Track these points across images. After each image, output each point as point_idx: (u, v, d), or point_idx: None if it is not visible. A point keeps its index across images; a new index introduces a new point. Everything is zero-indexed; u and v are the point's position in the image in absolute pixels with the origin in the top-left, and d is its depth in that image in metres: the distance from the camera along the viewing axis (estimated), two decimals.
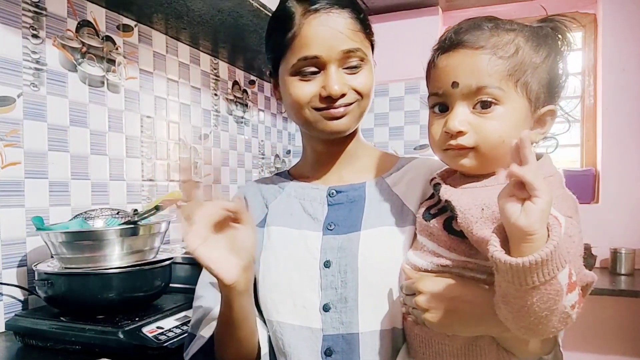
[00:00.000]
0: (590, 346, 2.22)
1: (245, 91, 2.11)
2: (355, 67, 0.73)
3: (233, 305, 0.66)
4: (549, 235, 0.47)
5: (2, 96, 1.07)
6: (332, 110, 0.72)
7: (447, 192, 0.63)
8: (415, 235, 0.71)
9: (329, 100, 0.72)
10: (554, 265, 0.46)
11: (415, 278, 0.64)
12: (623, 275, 2.04)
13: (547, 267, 0.46)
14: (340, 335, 0.71)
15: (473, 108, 0.59)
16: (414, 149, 2.39)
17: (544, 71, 0.60)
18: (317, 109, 0.73)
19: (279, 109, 2.43)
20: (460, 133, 0.59)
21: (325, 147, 0.81)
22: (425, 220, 0.66)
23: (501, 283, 0.51)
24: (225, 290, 0.65)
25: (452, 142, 0.60)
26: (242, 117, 2.10)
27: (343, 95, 0.72)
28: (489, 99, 0.58)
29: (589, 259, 2.03)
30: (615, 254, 2.08)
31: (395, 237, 0.73)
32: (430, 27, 2.38)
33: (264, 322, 0.79)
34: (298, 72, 0.73)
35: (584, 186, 2.27)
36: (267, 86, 2.30)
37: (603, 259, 2.17)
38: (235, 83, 2.04)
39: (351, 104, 0.73)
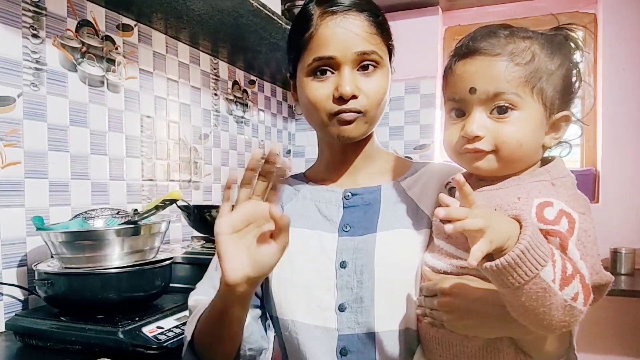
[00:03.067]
0: (590, 346, 2.22)
1: (245, 91, 2.11)
2: (369, 70, 0.73)
3: (225, 306, 0.66)
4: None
5: (2, 96, 1.07)
6: (343, 115, 0.72)
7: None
8: (430, 238, 0.72)
9: (341, 101, 0.72)
10: (529, 266, 0.48)
11: (436, 280, 0.64)
12: (623, 275, 2.04)
13: (520, 269, 0.48)
14: (355, 335, 0.72)
15: (490, 113, 0.62)
16: (414, 149, 2.39)
17: (559, 77, 0.62)
18: (332, 114, 0.73)
19: (279, 109, 2.43)
20: (477, 138, 0.62)
21: (341, 150, 0.81)
22: (442, 222, 0.67)
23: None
24: (224, 288, 0.65)
25: (469, 146, 0.63)
26: (242, 117, 2.10)
27: (355, 97, 0.72)
28: (506, 104, 0.60)
29: None
30: (615, 254, 2.08)
31: (411, 239, 0.73)
32: (430, 27, 2.38)
33: (272, 324, 0.79)
34: (313, 72, 0.74)
35: (584, 186, 2.27)
36: (267, 86, 2.30)
37: (603, 259, 2.17)
38: (235, 83, 2.04)
39: (360, 111, 0.73)
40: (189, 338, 0.74)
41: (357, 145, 0.80)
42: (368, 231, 0.75)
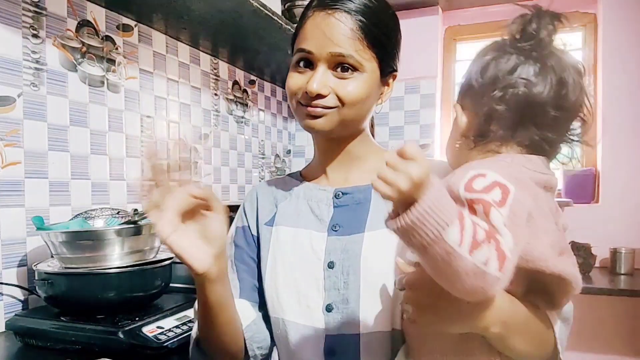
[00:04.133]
0: (590, 346, 2.22)
1: (245, 91, 2.11)
2: (347, 72, 0.73)
3: (207, 293, 0.67)
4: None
5: (2, 96, 1.07)
6: (308, 108, 0.74)
7: None
8: None
9: (308, 97, 0.73)
10: (430, 228, 0.47)
11: (406, 273, 0.63)
12: (623, 275, 2.04)
13: (422, 230, 0.48)
14: (341, 336, 0.72)
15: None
16: None
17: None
18: (300, 103, 0.75)
19: (279, 109, 2.43)
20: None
21: (325, 146, 0.82)
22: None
23: None
24: (198, 278, 0.65)
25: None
26: (242, 117, 2.10)
27: (321, 97, 0.72)
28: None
29: (588, 258, 2.03)
30: (615, 253, 2.08)
31: (398, 240, 0.73)
32: (430, 27, 2.38)
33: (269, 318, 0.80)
34: (297, 63, 0.75)
35: (584, 186, 2.27)
36: (267, 86, 2.30)
37: (603, 259, 2.17)
38: (235, 83, 2.04)
39: (330, 107, 0.73)
40: (194, 336, 0.76)
41: (341, 143, 0.81)
42: (356, 231, 0.75)
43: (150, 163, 0.63)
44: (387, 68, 0.78)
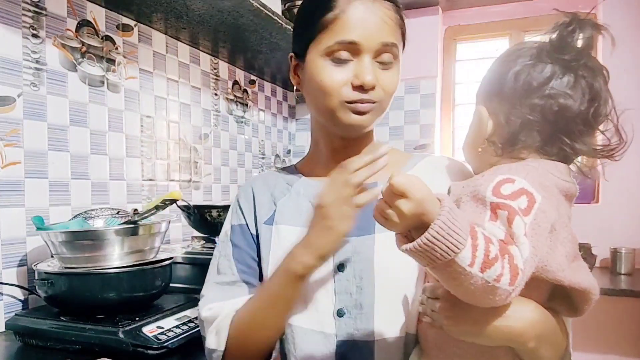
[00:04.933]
0: (590, 346, 2.22)
1: (245, 91, 2.11)
2: (387, 62, 0.71)
3: (298, 289, 0.67)
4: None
5: (2, 96, 1.07)
6: (359, 105, 0.69)
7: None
8: None
9: (360, 91, 0.69)
10: (441, 252, 0.48)
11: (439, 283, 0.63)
12: (623, 275, 2.04)
13: (432, 254, 0.48)
14: (354, 342, 0.70)
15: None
16: (414, 148, 2.39)
17: None
18: (347, 101, 0.70)
19: (279, 109, 2.43)
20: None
21: (343, 143, 0.78)
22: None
23: None
24: (316, 261, 0.65)
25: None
26: (242, 117, 2.09)
27: (373, 88, 0.69)
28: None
29: (589, 258, 2.03)
30: (615, 253, 2.08)
31: None
32: (430, 26, 2.38)
33: None
34: (331, 55, 0.69)
35: (584, 186, 2.27)
36: (267, 86, 2.30)
37: (603, 259, 2.17)
38: (236, 83, 2.04)
39: (376, 102, 0.71)
40: (221, 349, 0.72)
41: (360, 139, 0.78)
42: (365, 232, 0.72)
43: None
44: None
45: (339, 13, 0.68)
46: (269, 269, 0.76)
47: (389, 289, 0.69)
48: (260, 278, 0.79)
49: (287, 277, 0.67)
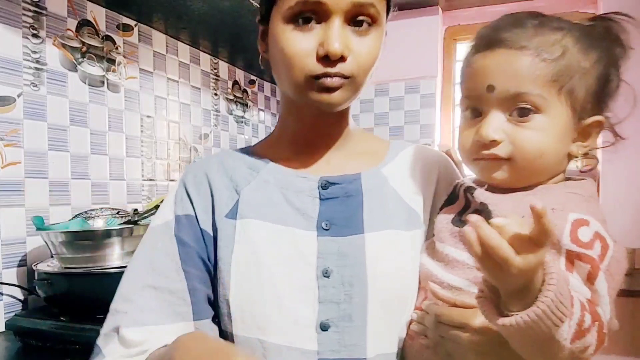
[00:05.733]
0: None
1: (245, 91, 2.11)
2: (363, 27, 0.59)
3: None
4: (540, 290, 0.41)
5: (2, 96, 1.07)
6: (326, 80, 0.58)
7: (483, 195, 0.56)
8: (431, 243, 0.62)
9: (327, 62, 0.57)
10: (543, 328, 0.40)
11: (453, 301, 0.54)
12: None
13: (533, 330, 0.41)
14: None
15: (510, 115, 0.53)
16: None
17: (593, 77, 0.54)
18: (311, 76, 0.58)
19: (279, 109, 2.43)
20: (493, 142, 0.53)
21: (315, 123, 0.67)
22: (457, 227, 0.58)
23: None
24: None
25: (485, 151, 0.54)
26: (242, 117, 2.10)
27: (343, 60, 0.57)
28: (528, 106, 0.52)
29: None
30: None
31: (402, 244, 0.62)
32: (430, 27, 2.38)
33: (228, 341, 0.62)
34: (294, 18, 0.58)
35: None
36: (267, 86, 2.30)
37: None
38: (235, 83, 2.04)
39: (348, 76, 0.58)
40: None
41: (333, 119, 0.67)
42: (354, 231, 0.61)
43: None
44: (387, 19, 0.64)
45: None
46: (231, 275, 0.61)
47: (383, 299, 0.60)
48: (213, 285, 0.64)
49: None
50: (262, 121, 2.26)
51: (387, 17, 0.64)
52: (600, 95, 0.55)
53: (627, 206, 2.19)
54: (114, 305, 0.64)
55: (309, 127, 0.67)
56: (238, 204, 0.64)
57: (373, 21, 0.59)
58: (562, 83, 0.52)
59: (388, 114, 2.43)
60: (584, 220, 0.49)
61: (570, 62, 0.52)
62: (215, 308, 0.64)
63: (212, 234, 0.64)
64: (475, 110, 0.56)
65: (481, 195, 0.57)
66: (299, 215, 0.63)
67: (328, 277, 0.60)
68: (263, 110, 2.27)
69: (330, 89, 0.58)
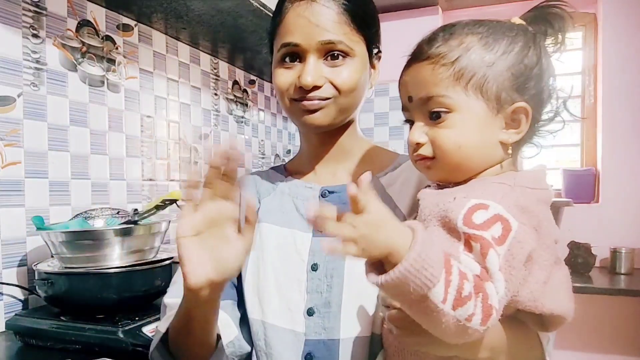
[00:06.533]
0: (590, 346, 2.22)
1: (245, 91, 2.11)
2: (338, 60, 0.70)
3: (192, 307, 0.61)
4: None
5: (2, 96, 1.07)
6: (305, 102, 0.71)
7: (422, 192, 0.63)
8: None
9: (302, 92, 0.70)
10: (413, 287, 0.44)
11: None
12: (623, 274, 2.04)
13: (403, 288, 0.45)
14: (321, 341, 0.70)
15: (430, 119, 0.59)
16: None
17: (503, 67, 0.57)
18: (294, 100, 0.72)
19: (279, 109, 2.43)
20: (419, 145, 0.60)
21: (316, 140, 0.79)
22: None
23: None
24: (187, 291, 0.59)
25: (415, 153, 0.61)
26: (242, 117, 2.10)
27: (317, 88, 0.70)
28: (441, 109, 0.58)
29: (589, 258, 2.03)
30: (615, 253, 2.08)
31: None
32: (430, 27, 2.37)
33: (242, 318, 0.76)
34: (282, 59, 0.73)
35: (584, 186, 2.27)
36: (267, 86, 2.30)
37: (603, 259, 2.17)
38: (235, 83, 2.04)
39: (327, 98, 0.71)
40: (162, 331, 0.68)
41: (332, 135, 0.78)
42: None
43: (217, 160, 0.60)
44: (373, 50, 0.76)
45: (282, 17, 0.72)
46: (248, 268, 0.76)
47: (357, 288, 0.69)
48: (239, 276, 0.77)
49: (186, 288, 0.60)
50: (262, 121, 2.26)
51: (371, 47, 0.75)
52: (516, 82, 0.58)
53: (627, 206, 2.19)
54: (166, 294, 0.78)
55: (315, 144, 0.79)
56: (259, 211, 0.79)
57: (345, 54, 0.71)
58: (466, 80, 0.56)
59: (388, 114, 2.43)
60: (482, 205, 0.53)
61: (471, 60, 0.57)
62: (239, 295, 0.77)
63: None
64: (410, 121, 0.64)
65: (421, 192, 0.63)
66: (302, 219, 0.75)
67: (315, 270, 0.72)
68: (263, 110, 2.27)
69: (311, 111, 0.71)
